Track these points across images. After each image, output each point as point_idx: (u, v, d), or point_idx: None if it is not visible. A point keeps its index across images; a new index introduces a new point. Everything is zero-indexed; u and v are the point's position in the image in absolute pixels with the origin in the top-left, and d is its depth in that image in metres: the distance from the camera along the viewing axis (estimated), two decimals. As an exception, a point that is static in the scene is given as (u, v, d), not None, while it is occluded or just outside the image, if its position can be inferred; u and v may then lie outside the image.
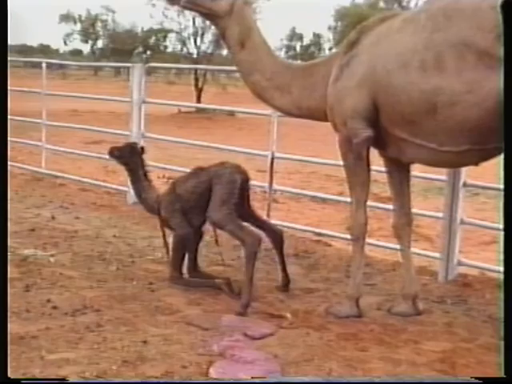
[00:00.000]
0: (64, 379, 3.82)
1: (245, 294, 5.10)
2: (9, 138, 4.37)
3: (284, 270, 5.66)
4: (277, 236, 5.68)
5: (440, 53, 4.48)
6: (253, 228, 5.42)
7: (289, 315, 4.99)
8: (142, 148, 5.87)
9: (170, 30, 35.13)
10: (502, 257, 3.49)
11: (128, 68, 9.59)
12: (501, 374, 3.53)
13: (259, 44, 5.34)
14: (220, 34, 5.53)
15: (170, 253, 5.60)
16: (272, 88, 5.33)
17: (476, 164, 4.85)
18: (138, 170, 5.77)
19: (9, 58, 4.31)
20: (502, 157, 4.10)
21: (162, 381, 3.91)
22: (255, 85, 5.38)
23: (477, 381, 3.65)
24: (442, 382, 4.16)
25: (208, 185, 5.39)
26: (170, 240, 5.61)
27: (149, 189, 5.76)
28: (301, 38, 63.89)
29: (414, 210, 5.34)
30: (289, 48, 63.53)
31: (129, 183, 6.09)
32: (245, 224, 5.34)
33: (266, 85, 5.33)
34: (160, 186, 9.89)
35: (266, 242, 7.02)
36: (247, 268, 5.14)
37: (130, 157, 5.77)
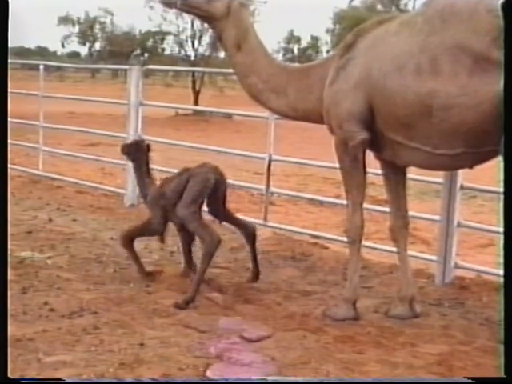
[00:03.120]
0: (62, 379, 3.82)
1: (192, 290, 5.24)
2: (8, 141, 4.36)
3: (255, 262, 5.84)
4: (250, 231, 5.86)
5: (436, 56, 4.50)
6: (223, 226, 5.78)
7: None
8: (148, 145, 5.99)
9: (168, 33, 35.13)
10: (501, 259, 3.49)
11: (125, 70, 9.59)
12: (499, 375, 3.54)
13: (256, 46, 5.34)
14: (217, 36, 5.54)
15: (138, 226, 5.89)
16: (268, 90, 5.33)
17: (471, 167, 4.86)
18: (142, 167, 5.90)
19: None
20: (500, 159, 4.11)
21: (158, 380, 3.91)
22: (251, 87, 5.38)
23: (471, 381, 3.66)
24: (442, 382, 4.17)
25: (186, 184, 5.55)
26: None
27: (150, 185, 5.85)
28: (298, 40, 63.90)
29: (410, 213, 5.35)
30: (286, 50, 63.52)
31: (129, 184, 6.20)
32: (208, 224, 5.55)
33: (262, 87, 5.34)
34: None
35: (264, 244, 7.06)
36: (201, 266, 5.31)
37: (135, 153, 5.93)
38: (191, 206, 5.43)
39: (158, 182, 5.89)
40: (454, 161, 4.71)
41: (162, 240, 5.86)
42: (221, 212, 5.76)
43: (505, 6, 3.70)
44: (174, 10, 5.47)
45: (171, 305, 5.14)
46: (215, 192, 5.56)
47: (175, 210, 5.52)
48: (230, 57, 5.39)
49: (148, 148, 5.96)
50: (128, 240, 5.80)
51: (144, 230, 5.82)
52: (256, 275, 5.83)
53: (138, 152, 5.93)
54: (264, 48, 5.40)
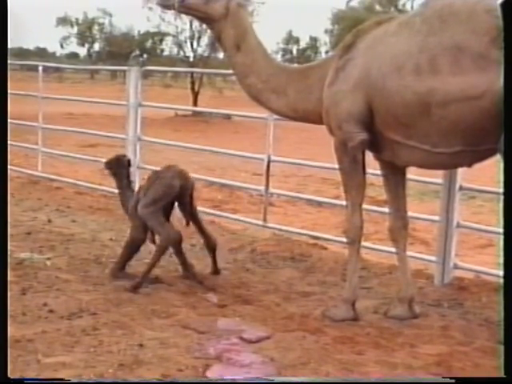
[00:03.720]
0: (63, 379, 3.82)
1: (141, 277, 5.50)
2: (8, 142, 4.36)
3: (215, 265, 6.06)
4: (210, 243, 6.05)
5: (434, 56, 4.51)
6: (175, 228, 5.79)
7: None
8: (129, 161, 6.15)
9: (167, 34, 35.16)
10: (500, 260, 3.49)
11: (124, 71, 9.58)
12: (498, 376, 3.54)
13: (255, 46, 5.34)
14: (215, 37, 5.54)
15: (121, 252, 5.93)
16: (268, 90, 5.33)
17: (469, 165, 4.87)
18: (123, 181, 6.05)
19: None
20: (499, 160, 4.12)
21: (157, 381, 3.91)
22: (251, 87, 5.38)
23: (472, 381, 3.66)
24: (441, 382, 4.17)
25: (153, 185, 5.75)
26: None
27: (130, 199, 5.96)
28: (297, 41, 63.98)
29: (410, 214, 5.35)
30: (285, 51, 63.61)
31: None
32: (167, 223, 5.72)
33: (261, 87, 5.34)
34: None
35: (263, 245, 7.07)
36: (153, 257, 5.59)
37: (116, 168, 6.08)
38: (150, 206, 5.62)
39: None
40: (453, 159, 4.72)
41: (153, 241, 5.87)
42: (189, 214, 5.92)
43: (504, 6, 3.70)
44: (173, 11, 5.43)
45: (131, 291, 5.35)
46: (181, 196, 5.77)
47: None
48: (230, 57, 5.38)
49: (129, 163, 6.12)
50: (117, 272, 5.81)
51: (128, 250, 5.85)
52: (216, 271, 6.06)
53: (119, 167, 6.06)
54: (263, 48, 5.40)
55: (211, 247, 6.04)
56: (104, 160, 6.23)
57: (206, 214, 8.13)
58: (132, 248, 5.84)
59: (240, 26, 5.29)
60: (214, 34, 5.57)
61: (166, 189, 5.64)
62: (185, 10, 5.40)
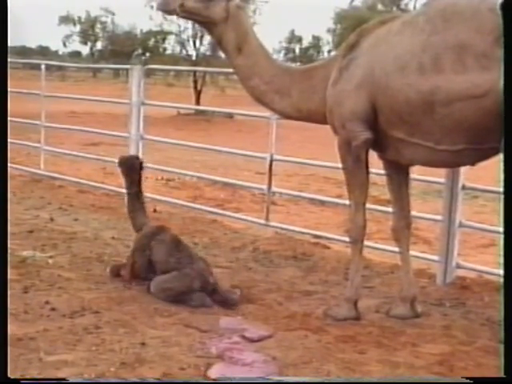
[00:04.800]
0: (64, 379, 3.82)
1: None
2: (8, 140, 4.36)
3: None
4: None
5: (438, 55, 4.51)
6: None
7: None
8: (141, 163, 5.92)
9: (169, 32, 35.13)
10: (501, 259, 3.48)
11: (127, 70, 9.62)
12: (500, 375, 3.53)
13: (256, 48, 5.33)
14: (216, 41, 5.52)
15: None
16: (271, 91, 5.33)
17: (473, 164, 4.88)
18: (132, 187, 5.84)
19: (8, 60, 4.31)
20: (501, 159, 4.11)
21: (159, 380, 3.91)
22: (254, 89, 5.38)
23: (471, 381, 3.65)
24: (443, 382, 4.17)
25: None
26: None
27: (138, 210, 5.85)
28: (300, 40, 63.83)
29: (412, 213, 5.35)
30: (288, 50, 63.47)
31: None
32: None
33: (265, 88, 5.33)
34: (159, 187, 9.96)
35: (266, 244, 7.07)
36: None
37: (128, 170, 5.85)
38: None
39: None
40: (456, 157, 4.72)
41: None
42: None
43: (504, 6, 3.70)
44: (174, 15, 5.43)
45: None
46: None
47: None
48: (231, 60, 5.37)
49: (141, 166, 5.88)
50: (115, 272, 5.77)
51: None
52: None
53: (130, 170, 5.83)
54: (264, 49, 5.40)
55: None
56: (116, 159, 6.00)
57: (209, 213, 8.15)
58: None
59: (241, 28, 5.29)
60: (214, 38, 5.56)
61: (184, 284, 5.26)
62: (186, 14, 5.40)
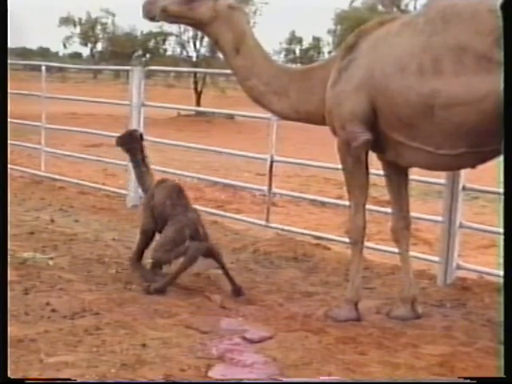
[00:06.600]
0: (65, 379, 3.83)
1: (166, 281, 5.49)
2: (8, 141, 4.37)
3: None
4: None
5: (438, 56, 4.51)
6: None
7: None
8: (141, 134, 6.06)
9: (170, 34, 35.16)
10: (501, 260, 3.49)
11: (127, 71, 9.60)
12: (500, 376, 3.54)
13: (254, 48, 5.32)
14: (213, 42, 5.51)
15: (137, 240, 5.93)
16: (270, 92, 5.32)
17: (473, 167, 4.87)
18: (137, 156, 5.97)
19: (8, 61, 4.31)
20: (501, 160, 4.11)
21: (160, 381, 3.91)
22: (253, 90, 5.37)
23: (470, 381, 3.66)
24: (443, 383, 4.17)
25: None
26: None
27: (145, 175, 5.94)
28: (300, 41, 63.83)
29: (413, 214, 5.35)
30: (288, 51, 63.49)
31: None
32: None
33: (263, 89, 5.33)
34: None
35: (266, 245, 7.06)
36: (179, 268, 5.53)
37: (129, 143, 5.99)
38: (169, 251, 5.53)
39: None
40: (457, 160, 4.72)
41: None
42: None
43: (503, 6, 3.70)
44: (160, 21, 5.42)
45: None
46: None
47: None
48: (229, 61, 5.35)
49: (141, 137, 6.03)
50: (136, 263, 5.85)
51: (142, 240, 5.83)
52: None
53: (132, 142, 5.99)
54: (263, 50, 5.39)
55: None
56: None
57: (209, 214, 8.15)
58: (146, 237, 5.82)
59: (237, 28, 5.27)
60: (210, 39, 5.56)
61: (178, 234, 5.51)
62: (170, 18, 5.41)
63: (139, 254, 5.85)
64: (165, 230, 5.60)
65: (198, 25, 5.41)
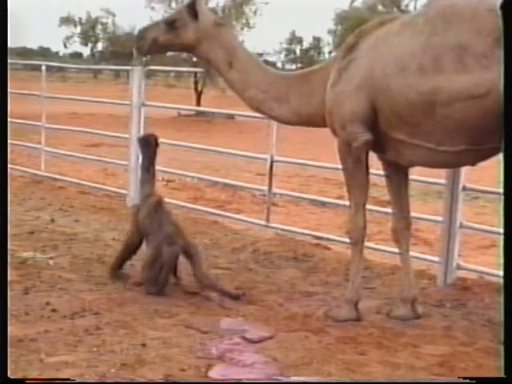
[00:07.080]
0: (65, 379, 3.83)
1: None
2: (8, 141, 4.37)
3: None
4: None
5: (438, 56, 4.51)
6: None
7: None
8: (156, 139, 6.06)
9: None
10: (501, 260, 3.49)
11: (128, 71, 9.60)
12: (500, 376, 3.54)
13: (247, 60, 5.36)
14: (204, 61, 5.56)
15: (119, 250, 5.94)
16: (269, 99, 5.34)
17: (473, 164, 4.88)
18: (144, 160, 5.99)
19: (8, 61, 4.32)
20: (501, 160, 4.11)
21: (160, 381, 3.92)
22: (252, 99, 5.40)
23: (470, 381, 3.66)
24: (443, 383, 4.17)
25: None
26: None
27: (146, 182, 5.94)
28: (300, 41, 63.90)
29: (413, 214, 5.35)
30: (288, 51, 63.56)
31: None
32: None
33: (262, 98, 5.35)
34: (160, 189, 9.94)
35: (266, 245, 7.06)
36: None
37: (142, 146, 6.05)
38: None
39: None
40: (457, 158, 4.73)
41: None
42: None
43: (503, 6, 3.70)
44: (151, 54, 5.51)
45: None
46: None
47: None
48: (224, 76, 5.42)
49: (156, 142, 6.03)
50: (114, 271, 5.83)
51: (125, 252, 5.84)
52: None
53: (144, 145, 6.01)
54: (256, 59, 5.47)
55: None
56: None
57: (209, 214, 8.15)
58: (128, 250, 5.82)
59: (226, 43, 5.33)
60: (202, 60, 5.61)
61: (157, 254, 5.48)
62: (161, 49, 5.51)
63: (119, 263, 5.84)
64: (146, 248, 5.63)
65: (189, 48, 5.47)
